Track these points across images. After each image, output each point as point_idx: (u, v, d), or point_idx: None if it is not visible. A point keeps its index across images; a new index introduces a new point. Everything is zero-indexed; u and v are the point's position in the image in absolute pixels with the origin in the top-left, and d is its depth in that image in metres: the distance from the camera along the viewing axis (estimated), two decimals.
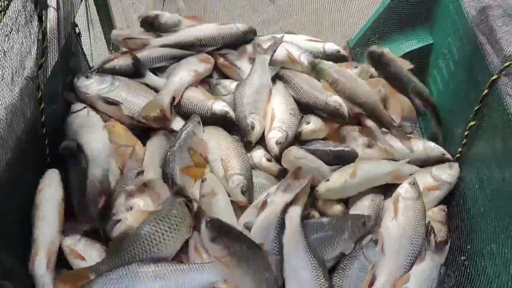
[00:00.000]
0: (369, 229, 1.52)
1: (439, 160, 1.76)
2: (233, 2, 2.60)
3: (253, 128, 1.74)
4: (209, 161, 1.69)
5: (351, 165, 1.66)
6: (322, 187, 1.61)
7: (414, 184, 1.59)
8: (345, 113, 1.81)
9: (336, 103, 1.81)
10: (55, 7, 1.58)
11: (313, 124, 1.79)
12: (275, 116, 1.80)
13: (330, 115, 1.82)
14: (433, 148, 1.79)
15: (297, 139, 1.80)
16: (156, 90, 1.87)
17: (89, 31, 2.06)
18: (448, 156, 1.76)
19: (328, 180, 1.61)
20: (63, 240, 1.47)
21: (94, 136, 1.70)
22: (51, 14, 1.56)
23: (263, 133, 1.80)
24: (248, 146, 1.76)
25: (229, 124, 1.81)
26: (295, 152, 1.68)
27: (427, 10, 2.03)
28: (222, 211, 1.54)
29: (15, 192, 1.39)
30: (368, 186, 1.65)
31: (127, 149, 1.68)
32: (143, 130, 1.81)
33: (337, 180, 1.61)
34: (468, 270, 1.46)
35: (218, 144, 1.71)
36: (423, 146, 1.79)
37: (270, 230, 1.43)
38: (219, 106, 1.81)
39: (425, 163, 1.76)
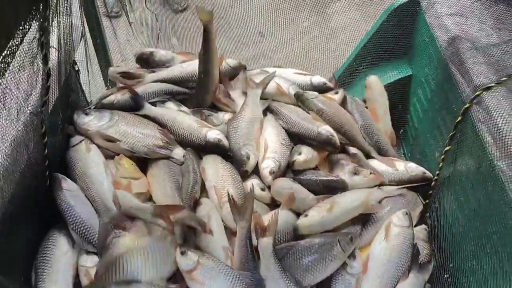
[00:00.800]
0: (356, 245, 1.61)
1: (420, 179, 1.88)
2: (225, 38, 2.73)
3: (248, 158, 1.82)
4: (206, 188, 1.76)
5: (329, 200, 1.73)
6: (301, 221, 1.69)
7: (407, 214, 1.68)
8: (337, 143, 1.90)
9: (328, 132, 1.90)
10: (56, 47, 1.67)
11: (304, 154, 1.87)
12: (268, 146, 1.89)
13: (322, 144, 1.91)
14: (414, 168, 1.90)
15: (290, 169, 1.89)
16: (155, 120, 1.96)
17: (87, 67, 2.15)
18: (429, 174, 1.87)
19: (306, 215, 1.69)
20: (80, 257, 1.54)
21: (95, 172, 1.76)
22: (53, 54, 1.65)
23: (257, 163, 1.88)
24: (244, 176, 1.83)
25: (223, 152, 1.89)
26: (281, 183, 1.78)
27: (406, 43, 2.18)
28: (215, 234, 1.61)
29: (18, 224, 1.45)
30: (344, 220, 1.71)
31: (134, 182, 1.74)
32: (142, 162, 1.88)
33: (315, 215, 1.68)
34: (451, 287, 1.54)
35: (214, 172, 1.79)
36: (404, 167, 1.90)
37: (247, 259, 1.52)
38: (213, 135, 1.89)
39: (407, 182, 1.88)
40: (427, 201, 1.86)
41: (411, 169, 1.90)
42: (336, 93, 2.12)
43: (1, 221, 1.30)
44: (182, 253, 1.49)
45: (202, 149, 1.91)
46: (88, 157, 1.80)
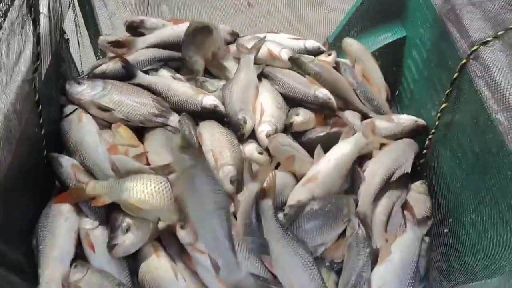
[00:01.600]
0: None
1: (415, 127, 1.92)
2: (215, 7, 2.68)
3: (245, 122, 1.81)
4: (203, 152, 1.75)
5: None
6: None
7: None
8: (334, 105, 1.91)
9: (326, 96, 1.90)
10: (46, 13, 1.63)
11: (302, 116, 1.87)
12: (264, 110, 1.88)
13: (320, 107, 1.91)
14: (406, 118, 1.94)
15: (289, 132, 1.88)
16: (148, 89, 1.93)
17: (77, 37, 2.11)
18: (421, 121, 1.91)
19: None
20: (82, 220, 1.54)
21: (89, 141, 1.73)
22: (42, 20, 1.60)
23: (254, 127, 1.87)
24: (241, 140, 1.83)
25: (220, 118, 1.88)
26: (281, 139, 1.77)
27: (399, 4, 2.15)
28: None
29: (15, 193, 1.42)
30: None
31: (132, 149, 1.72)
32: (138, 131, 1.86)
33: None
34: (451, 241, 1.57)
35: (211, 136, 1.78)
36: (396, 120, 1.93)
37: (250, 224, 1.52)
38: (209, 101, 1.88)
39: (402, 134, 1.92)
40: (422, 160, 1.87)
41: (403, 119, 1.93)
42: (329, 55, 2.11)
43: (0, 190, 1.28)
44: (182, 227, 1.49)
45: (198, 115, 1.89)
46: (81, 127, 1.78)
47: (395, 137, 1.90)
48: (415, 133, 1.92)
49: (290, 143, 1.77)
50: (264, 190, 1.58)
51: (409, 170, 1.76)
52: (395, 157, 1.76)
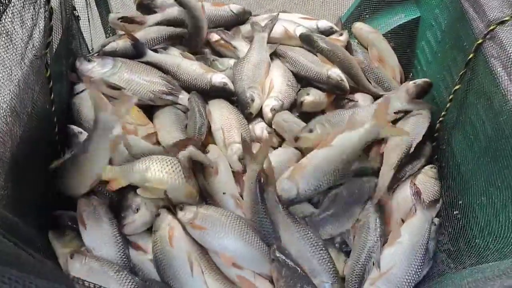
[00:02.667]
0: None
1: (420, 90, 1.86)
2: None
3: (253, 100, 1.80)
4: (212, 131, 1.76)
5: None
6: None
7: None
8: (347, 86, 1.88)
9: (338, 76, 1.88)
10: None
11: (312, 95, 1.85)
12: (273, 87, 1.87)
13: (332, 88, 1.89)
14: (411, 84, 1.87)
15: (298, 111, 1.88)
16: (157, 67, 1.92)
17: (88, 15, 2.10)
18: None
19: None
20: (80, 200, 1.55)
21: None
22: None
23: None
24: (249, 119, 1.82)
25: (229, 96, 1.88)
26: (285, 115, 1.77)
27: None
28: (224, 181, 1.61)
29: (28, 165, 1.43)
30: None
31: (141, 128, 1.73)
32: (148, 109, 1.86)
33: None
34: (461, 223, 1.56)
35: (220, 115, 1.78)
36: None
37: (256, 203, 1.52)
38: (218, 78, 1.87)
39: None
40: (434, 143, 1.85)
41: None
42: (341, 35, 2.08)
43: (11, 163, 1.29)
44: (181, 208, 1.51)
45: (207, 93, 1.88)
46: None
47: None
48: (424, 93, 1.87)
49: (294, 120, 1.76)
50: (265, 174, 1.55)
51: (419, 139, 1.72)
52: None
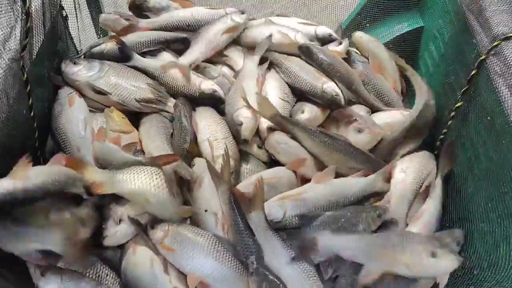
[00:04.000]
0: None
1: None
2: None
3: (240, 124, 1.67)
4: (199, 142, 1.68)
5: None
6: None
7: None
8: (342, 101, 1.79)
9: (333, 91, 1.79)
10: None
11: (307, 112, 1.77)
12: None
13: (327, 103, 1.80)
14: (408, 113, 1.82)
15: None
16: (145, 72, 1.84)
17: (76, 15, 2.03)
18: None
19: None
20: None
21: (74, 128, 1.68)
22: None
23: None
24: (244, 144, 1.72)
25: (218, 103, 1.81)
26: (277, 137, 1.67)
27: None
28: (206, 196, 1.53)
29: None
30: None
31: (124, 136, 1.66)
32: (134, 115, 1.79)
33: None
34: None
35: (207, 125, 1.70)
36: (401, 114, 1.83)
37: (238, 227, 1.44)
38: (207, 85, 1.79)
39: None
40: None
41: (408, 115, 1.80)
42: (340, 43, 1.99)
43: None
44: (152, 227, 1.44)
45: (195, 100, 1.81)
46: (70, 112, 1.71)
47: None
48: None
49: (286, 142, 1.67)
50: (249, 200, 1.45)
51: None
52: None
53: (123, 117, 1.73)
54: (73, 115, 1.70)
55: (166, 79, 1.82)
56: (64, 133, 1.66)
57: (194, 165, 1.62)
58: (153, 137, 1.67)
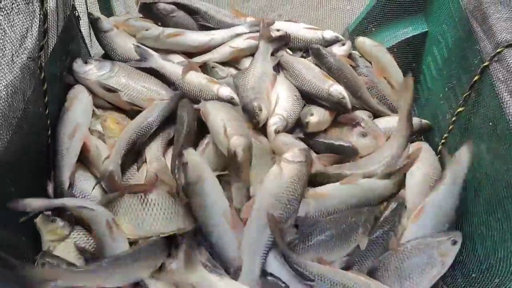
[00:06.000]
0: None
1: (419, 129, 1.92)
2: None
3: (261, 110, 1.72)
4: (212, 131, 1.66)
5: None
6: None
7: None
8: (348, 104, 1.82)
9: (340, 94, 1.82)
10: None
11: (317, 115, 1.79)
12: (278, 102, 1.82)
13: (333, 105, 1.84)
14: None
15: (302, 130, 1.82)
16: (161, 75, 1.89)
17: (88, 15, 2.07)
18: (425, 122, 1.93)
19: None
20: None
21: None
22: None
23: None
24: (255, 127, 1.75)
25: None
26: (282, 138, 1.70)
27: None
28: (213, 197, 1.46)
29: (16, 172, 1.40)
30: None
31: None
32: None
33: None
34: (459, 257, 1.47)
35: (218, 113, 1.67)
36: None
37: None
38: (226, 92, 1.81)
39: None
40: None
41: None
42: (343, 44, 2.04)
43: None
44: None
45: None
46: (65, 115, 1.73)
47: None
48: (422, 133, 1.93)
49: (292, 143, 1.69)
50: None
51: None
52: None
53: (117, 123, 1.77)
54: (68, 118, 1.72)
55: (183, 85, 1.86)
56: (56, 135, 1.68)
57: (186, 163, 1.47)
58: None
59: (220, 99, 1.81)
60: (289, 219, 1.48)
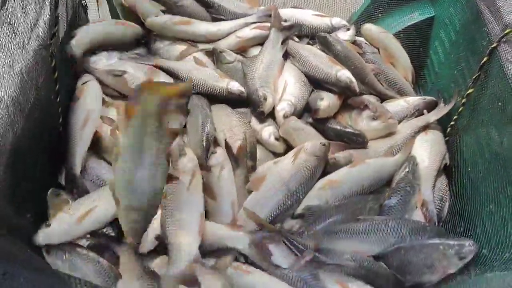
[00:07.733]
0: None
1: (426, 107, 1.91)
2: None
3: (265, 99, 1.75)
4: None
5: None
6: None
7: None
8: (356, 88, 1.83)
9: (348, 78, 1.82)
10: None
11: (326, 100, 1.79)
12: (286, 88, 1.83)
13: (341, 90, 1.84)
14: (414, 100, 1.93)
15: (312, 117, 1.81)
16: (170, 72, 1.89)
17: (97, 5, 2.08)
18: (429, 98, 1.93)
19: None
20: None
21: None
22: None
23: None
24: (260, 118, 1.78)
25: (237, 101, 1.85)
26: (293, 123, 1.72)
27: None
28: (226, 184, 1.55)
29: (29, 158, 1.42)
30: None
31: None
32: None
33: None
34: (467, 232, 1.51)
35: (218, 118, 1.74)
36: (406, 103, 1.93)
37: None
38: (235, 86, 1.82)
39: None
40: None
41: (412, 100, 1.92)
42: (348, 29, 2.05)
43: (11, 154, 1.28)
44: None
45: (222, 99, 1.85)
46: (76, 103, 1.74)
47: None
48: (429, 110, 1.90)
49: (303, 128, 1.72)
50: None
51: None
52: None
53: None
54: (79, 106, 1.73)
55: (192, 77, 1.85)
56: (68, 123, 1.69)
57: (215, 152, 1.62)
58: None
59: (230, 93, 1.82)
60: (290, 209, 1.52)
